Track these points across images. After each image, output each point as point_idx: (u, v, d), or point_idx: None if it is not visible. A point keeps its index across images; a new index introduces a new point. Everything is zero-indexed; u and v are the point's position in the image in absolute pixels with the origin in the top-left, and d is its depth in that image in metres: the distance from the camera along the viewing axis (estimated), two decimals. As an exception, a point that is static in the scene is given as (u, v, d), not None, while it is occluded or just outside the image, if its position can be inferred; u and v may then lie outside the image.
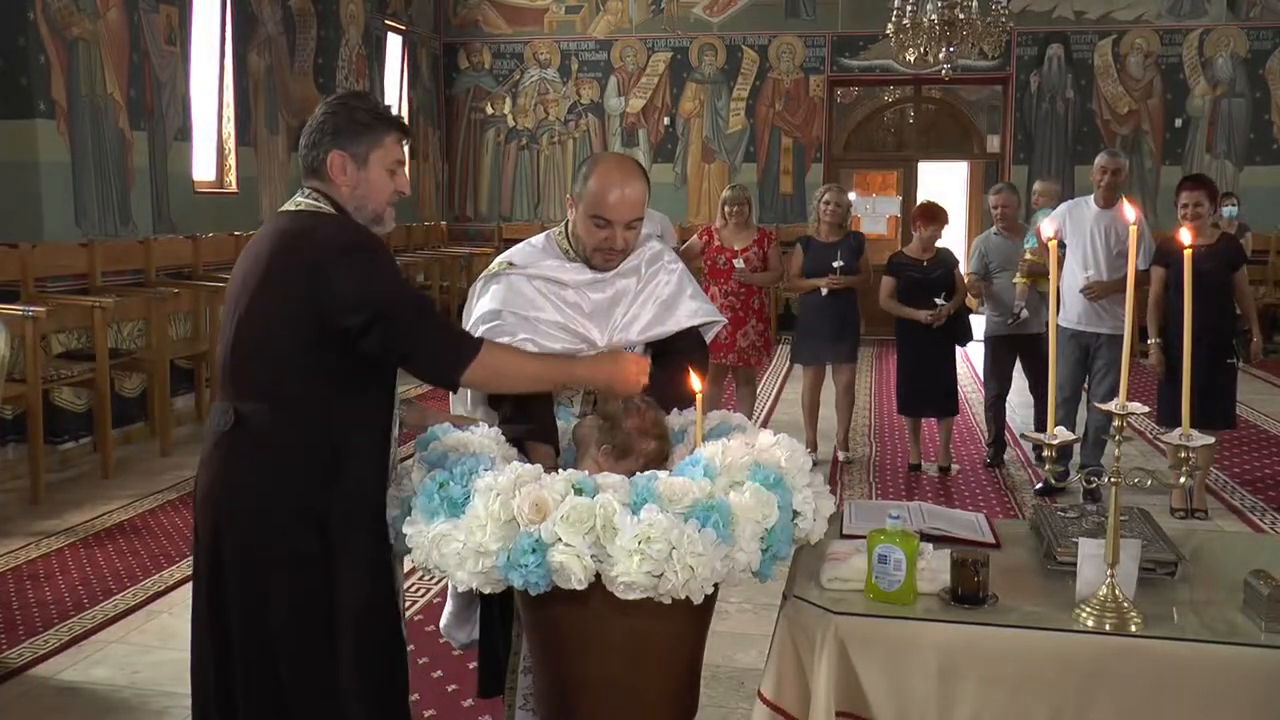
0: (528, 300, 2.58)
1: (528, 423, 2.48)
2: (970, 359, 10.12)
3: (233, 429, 2.17)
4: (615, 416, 2.38)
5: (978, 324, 6.60)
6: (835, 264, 6.24)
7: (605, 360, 2.44)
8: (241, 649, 2.21)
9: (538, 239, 2.74)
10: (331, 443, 2.18)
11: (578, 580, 1.97)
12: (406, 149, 2.39)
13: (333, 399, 2.18)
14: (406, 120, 11.73)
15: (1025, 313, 6.11)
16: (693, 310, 2.72)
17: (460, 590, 2.19)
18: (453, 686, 3.50)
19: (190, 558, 4.62)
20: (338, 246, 2.16)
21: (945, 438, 6.39)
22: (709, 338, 2.82)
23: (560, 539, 1.97)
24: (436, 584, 4.35)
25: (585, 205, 2.56)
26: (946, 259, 6.22)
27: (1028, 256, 6.24)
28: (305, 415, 2.17)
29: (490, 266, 2.70)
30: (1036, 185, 7.56)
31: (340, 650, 2.21)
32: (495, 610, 2.64)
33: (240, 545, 2.19)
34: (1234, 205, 10.00)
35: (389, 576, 2.31)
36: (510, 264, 2.65)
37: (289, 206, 2.29)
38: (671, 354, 2.68)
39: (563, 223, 2.70)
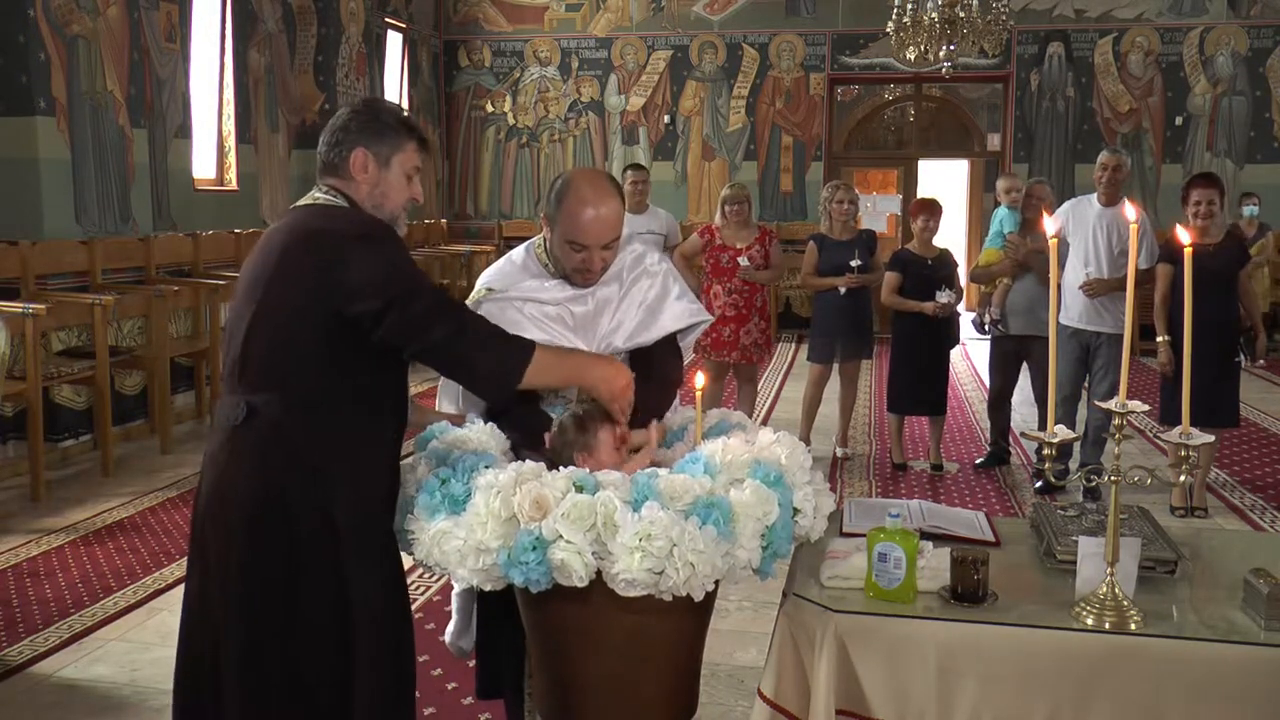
0: (510, 323, 2.50)
1: (521, 432, 2.46)
2: (971, 358, 10.13)
3: (244, 423, 2.16)
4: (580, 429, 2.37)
5: (967, 326, 6.66)
6: (853, 263, 6.26)
7: (601, 364, 2.39)
8: (237, 648, 2.19)
9: (517, 254, 2.71)
10: (344, 438, 2.17)
11: (579, 578, 1.96)
12: (429, 157, 2.42)
13: (346, 394, 2.17)
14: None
15: (991, 314, 6.15)
16: (678, 313, 2.67)
17: (460, 588, 2.18)
18: (452, 684, 3.51)
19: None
20: (352, 234, 2.16)
21: (936, 437, 6.39)
22: (694, 336, 2.80)
23: (561, 536, 1.97)
24: (437, 581, 4.35)
25: (560, 229, 2.51)
26: (948, 260, 6.26)
27: (982, 259, 6.34)
28: (319, 409, 2.16)
29: (471, 294, 2.67)
30: (1000, 182, 7.45)
31: (352, 652, 2.19)
32: (496, 612, 2.64)
33: (249, 542, 2.17)
34: (1255, 204, 10.03)
35: (400, 579, 2.30)
36: (489, 289, 2.61)
37: (304, 201, 2.30)
38: (645, 367, 2.64)
39: (540, 235, 2.67)
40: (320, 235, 2.17)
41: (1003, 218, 6.57)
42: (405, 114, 2.37)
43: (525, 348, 2.22)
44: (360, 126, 2.27)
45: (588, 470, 2.21)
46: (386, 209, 2.29)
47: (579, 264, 2.53)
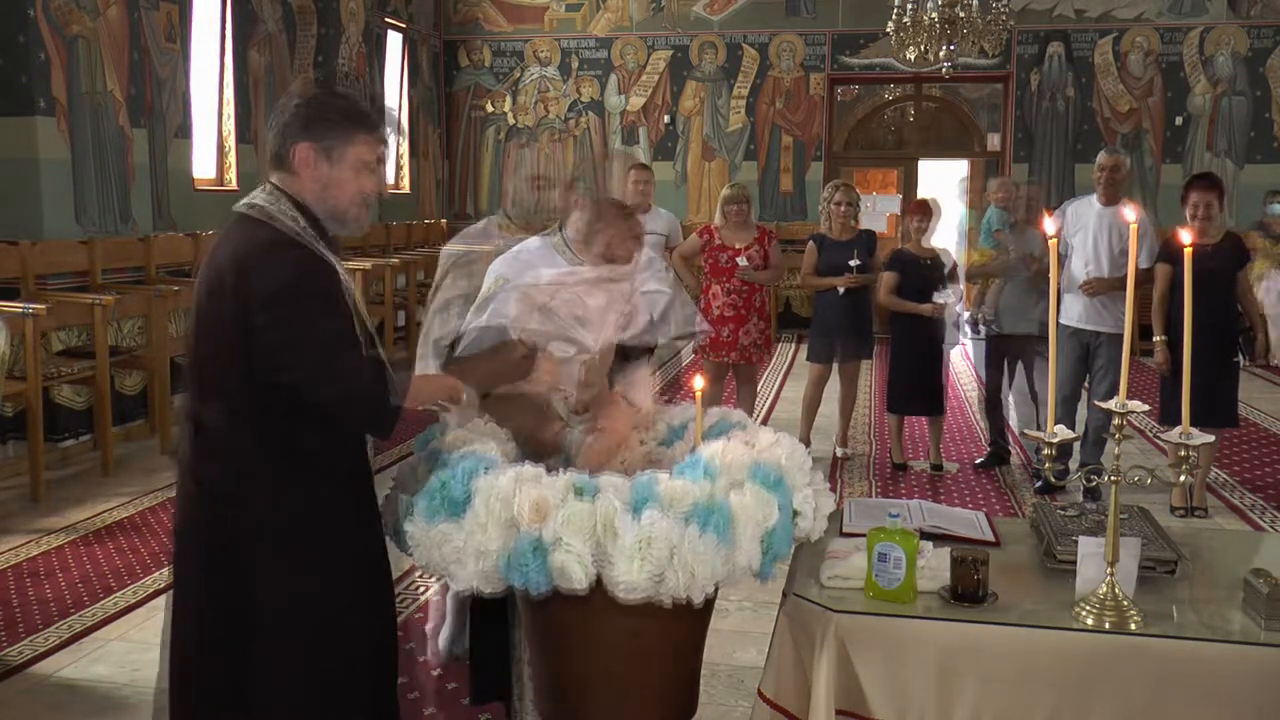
0: (524, 316, 2.58)
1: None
2: (971, 357, 10.13)
3: (196, 432, 2.16)
4: None
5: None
6: (852, 263, 6.27)
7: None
8: (188, 646, 2.24)
9: (532, 244, 2.76)
10: (290, 445, 2.11)
11: (578, 582, 1.96)
12: (385, 149, 2.23)
13: (282, 399, 2.08)
14: (405, 117, 11.86)
15: (984, 314, 6.15)
16: (680, 320, 2.79)
17: (459, 588, 2.18)
18: (452, 685, 3.50)
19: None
20: (260, 250, 2.08)
21: (936, 437, 6.39)
22: (690, 346, 2.92)
23: (562, 540, 1.97)
24: (436, 582, 4.35)
25: (606, 227, 2.63)
26: (945, 260, 6.27)
27: (975, 258, 6.34)
28: (258, 418, 2.09)
29: (485, 287, 2.70)
30: (990, 182, 7.45)
31: (291, 657, 2.15)
32: (486, 617, 2.65)
33: (199, 545, 2.18)
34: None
35: (335, 584, 2.18)
36: (505, 279, 2.66)
37: (244, 201, 2.20)
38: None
39: (554, 228, 2.75)
40: (233, 254, 2.11)
41: (991, 217, 6.58)
42: (361, 102, 2.19)
43: (397, 395, 2.08)
44: (304, 120, 2.13)
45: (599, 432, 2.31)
46: (337, 207, 2.16)
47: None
